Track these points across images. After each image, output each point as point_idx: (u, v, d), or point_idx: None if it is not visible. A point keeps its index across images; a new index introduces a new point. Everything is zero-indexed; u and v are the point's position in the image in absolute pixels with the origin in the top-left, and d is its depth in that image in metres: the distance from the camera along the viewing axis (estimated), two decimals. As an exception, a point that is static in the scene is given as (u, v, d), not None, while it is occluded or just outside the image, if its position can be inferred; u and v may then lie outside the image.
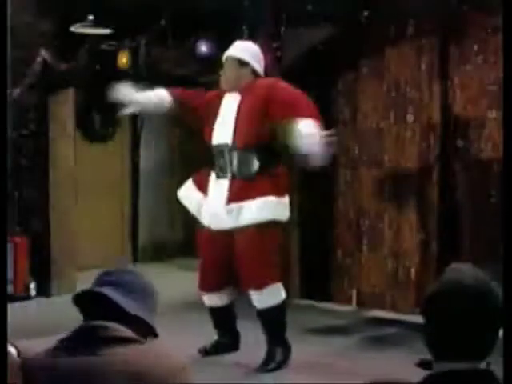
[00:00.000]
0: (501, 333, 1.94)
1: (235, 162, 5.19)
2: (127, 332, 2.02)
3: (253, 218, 5.12)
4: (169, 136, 10.05)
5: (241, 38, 7.11)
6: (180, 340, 5.84)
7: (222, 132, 5.28)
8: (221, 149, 5.25)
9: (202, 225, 5.39)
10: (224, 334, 5.57)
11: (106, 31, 7.84)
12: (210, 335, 5.56)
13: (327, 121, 7.25)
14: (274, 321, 5.30)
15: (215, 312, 5.51)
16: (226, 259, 5.30)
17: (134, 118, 7.18)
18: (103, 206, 9.21)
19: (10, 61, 7.33)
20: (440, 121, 6.67)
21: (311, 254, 7.42)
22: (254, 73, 5.38)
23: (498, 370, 1.93)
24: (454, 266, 2.01)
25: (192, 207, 5.45)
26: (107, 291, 2.07)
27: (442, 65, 6.64)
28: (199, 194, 5.39)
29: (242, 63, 5.37)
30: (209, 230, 5.32)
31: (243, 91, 5.31)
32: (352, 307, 7.19)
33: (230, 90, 5.35)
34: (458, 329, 1.88)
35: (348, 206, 7.33)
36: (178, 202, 5.60)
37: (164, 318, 7.38)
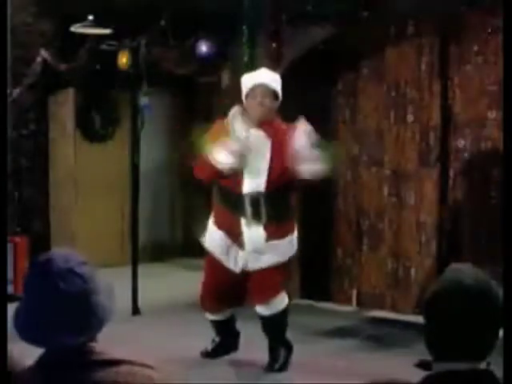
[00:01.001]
0: (501, 333, 1.94)
1: (269, 207, 5.12)
2: (109, 354, 1.99)
3: (286, 255, 5.24)
4: (169, 136, 10.05)
5: (241, 38, 7.13)
6: (180, 340, 5.85)
7: (255, 178, 5.11)
8: (255, 196, 5.10)
9: (227, 267, 5.25)
10: (225, 336, 5.57)
11: (106, 31, 7.83)
12: (211, 335, 5.56)
13: (327, 121, 7.30)
14: (276, 325, 5.33)
15: (217, 323, 5.52)
16: (235, 288, 5.28)
17: (134, 118, 7.17)
18: (103, 206, 9.21)
19: (10, 61, 7.34)
20: (440, 121, 6.67)
21: (311, 253, 7.41)
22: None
23: (497, 370, 1.93)
24: (454, 266, 2.01)
25: (220, 251, 5.27)
26: None
27: (442, 65, 6.64)
28: (221, 234, 5.25)
29: (276, 97, 5.19)
30: (229, 270, 5.25)
31: (269, 132, 5.14)
32: (352, 307, 7.19)
33: (257, 126, 5.15)
34: (458, 329, 1.88)
35: (348, 205, 7.33)
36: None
37: (165, 319, 7.39)
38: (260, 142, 5.13)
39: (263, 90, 5.13)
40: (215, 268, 5.30)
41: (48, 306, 1.92)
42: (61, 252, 2.03)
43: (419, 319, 2.05)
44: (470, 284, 1.90)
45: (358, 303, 7.20)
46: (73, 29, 7.81)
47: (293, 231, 5.31)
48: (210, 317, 5.48)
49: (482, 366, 1.90)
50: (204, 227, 5.39)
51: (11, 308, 2.03)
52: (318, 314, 6.94)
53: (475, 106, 6.49)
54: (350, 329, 6.49)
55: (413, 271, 6.84)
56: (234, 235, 5.19)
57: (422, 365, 1.97)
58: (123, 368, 1.96)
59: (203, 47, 7.85)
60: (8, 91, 7.74)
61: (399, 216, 6.93)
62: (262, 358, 5.33)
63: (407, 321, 6.44)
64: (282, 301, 5.29)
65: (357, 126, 7.24)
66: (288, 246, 5.27)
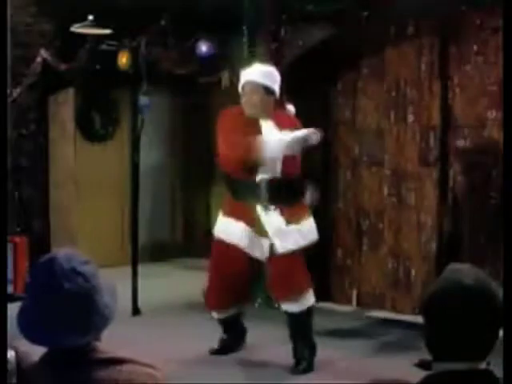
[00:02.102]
0: (501, 333, 1.94)
1: (284, 193, 5.21)
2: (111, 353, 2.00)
3: (308, 240, 5.40)
4: (169, 136, 10.06)
5: (241, 38, 7.13)
6: (180, 340, 5.85)
7: (270, 165, 5.16)
8: (270, 183, 5.17)
9: (250, 256, 5.30)
10: (232, 334, 5.59)
11: (106, 31, 7.83)
12: (212, 335, 5.56)
13: (327, 121, 7.30)
14: (301, 322, 5.38)
15: (224, 322, 5.53)
16: (241, 282, 5.33)
17: (134, 118, 7.17)
18: (103, 206, 9.21)
19: (10, 61, 7.33)
20: (440, 121, 6.67)
21: (311, 253, 7.40)
22: (275, 99, 5.33)
23: (497, 370, 1.93)
24: (453, 266, 2.01)
25: (237, 238, 5.29)
26: None
27: (442, 65, 6.64)
28: (242, 225, 5.27)
29: (269, 91, 5.23)
30: (245, 254, 5.27)
31: (278, 120, 5.24)
32: (352, 307, 7.19)
33: (259, 117, 5.21)
34: (457, 329, 1.88)
35: (348, 206, 7.33)
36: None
37: (165, 319, 7.39)
38: (271, 131, 5.20)
39: (251, 86, 5.21)
40: (221, 261, 5.32)
41: (52, 305, 1.91)
42: (63, 251, 2.02)
43: (419, 319, 2.05)
44: (470, 284, 1.90)
45: (358, 303, 7.20)
46: (73, 29, 7.81)
47: (309, 215, 5.43)
48: (216, 315, 5.49)
49: (482, 366, 1.90)
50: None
51: (11, 308, 2.03)
52: (317, 314, 6.91)
53: (475, 106, 6.49)
54: (349, 329, 6.49)
55: (413, 271, 6.84)
56: (253, 223, 5.23)
57: (422, 365, 1.97)
58: (126, 367, 1.96)
59: (203, 47, 7.85)
60: (8, 91, 7.74)
61: (399, 216, 6.94)
62: (264, 357, 5.33)
63: (407, 321, 6.44)
64: (305, 299, 5.40)
65: (357, 126, 7.24)
66: (309, 230, 5.39)
